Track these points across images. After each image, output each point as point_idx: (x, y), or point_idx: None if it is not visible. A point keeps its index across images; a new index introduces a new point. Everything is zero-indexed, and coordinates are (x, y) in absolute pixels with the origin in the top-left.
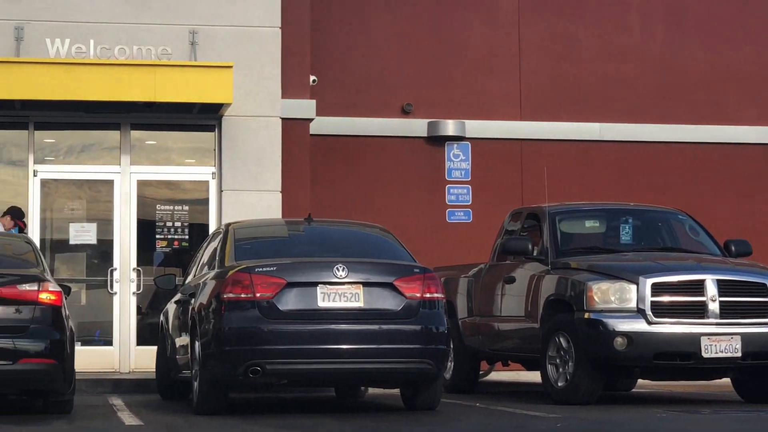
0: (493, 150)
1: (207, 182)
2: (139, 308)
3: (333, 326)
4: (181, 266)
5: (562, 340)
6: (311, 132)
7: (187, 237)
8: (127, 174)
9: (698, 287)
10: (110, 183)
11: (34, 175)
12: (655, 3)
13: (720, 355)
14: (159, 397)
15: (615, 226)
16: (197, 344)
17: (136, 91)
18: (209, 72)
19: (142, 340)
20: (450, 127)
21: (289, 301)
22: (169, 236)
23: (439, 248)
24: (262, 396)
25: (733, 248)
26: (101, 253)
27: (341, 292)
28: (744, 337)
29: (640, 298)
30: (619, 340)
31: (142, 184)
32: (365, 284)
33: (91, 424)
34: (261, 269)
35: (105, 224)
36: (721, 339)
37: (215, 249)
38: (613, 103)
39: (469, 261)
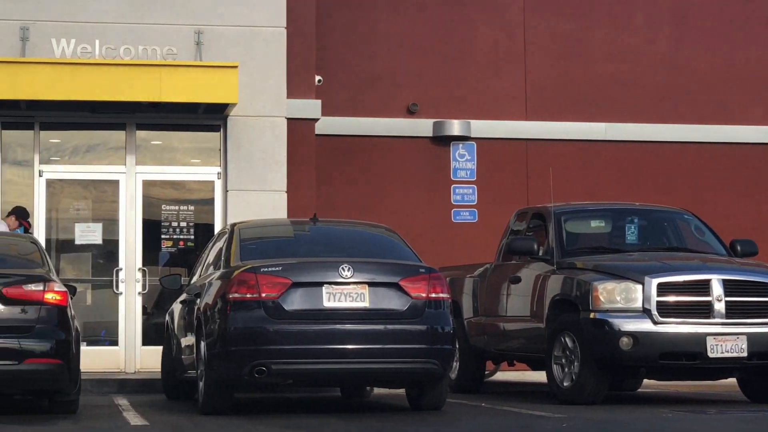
0: (499, 150)
1: (212, 182)
2: (144, 308)
3: (338, 326)
4: (187, 266)
5: (567, 340)
6: (316, 132)
7: (192, 237)
8: (132, 174)
9: (704, 287)
10: (116, 183)
11: (40, 176)
12: (660, 3)
13: (726, 355)
14: (164, 397)
15: (620, 226)
16: (203, 344)
17: (142, 91)
18: (215, 72)
19: (147, 340)
20: (455, 127)
21: (295, 301)
22: (175, 236)
23: (445, 248)
24: (267, 396)
25: (738, 248)
26: (107, 253)
27: (347, 292)
28: (750, 337)
29: (646, 298)
30: (624, 340)
31: (147, 184)
32: (371, 284)
33: (96, 424)
34: (266, 269)
35: (110, 224)
36: (726, 339)
37: (221, 249)
38: (619, 103)
39: (474, 261)
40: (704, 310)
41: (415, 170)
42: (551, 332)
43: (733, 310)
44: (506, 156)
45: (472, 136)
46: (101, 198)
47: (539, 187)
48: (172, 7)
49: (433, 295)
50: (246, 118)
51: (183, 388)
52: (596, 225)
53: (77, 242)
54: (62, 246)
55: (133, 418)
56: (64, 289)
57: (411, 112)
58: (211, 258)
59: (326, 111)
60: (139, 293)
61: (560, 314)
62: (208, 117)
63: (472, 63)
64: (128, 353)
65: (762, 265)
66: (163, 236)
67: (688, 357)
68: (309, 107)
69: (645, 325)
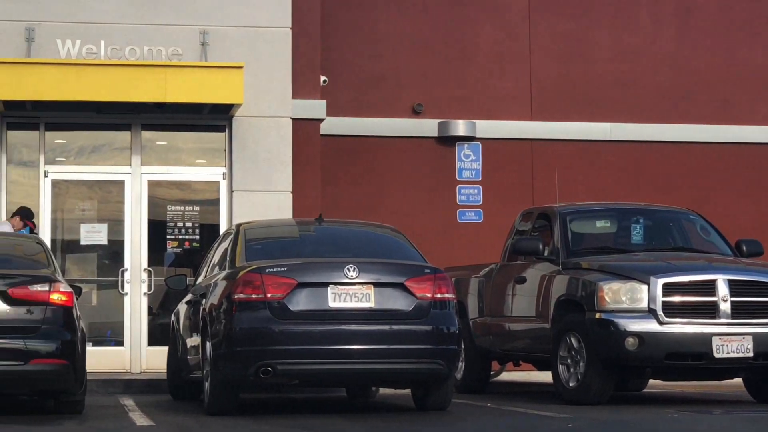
0: (504, 150)
1: (218, 182)
2: (150, 309)
3: (344, 326)
4: (192, 267)
5: (573, 340)
6: (322, 132)
7: (197, 237)
8: (137, 174)
9: (709, 287)
10: (121, 183)
11: (45, 176)
12: (665, 3)
13: (731, 355)
14: (170, 398)
15: (626, 226)
16: (208, 344)
17: (147, 91)
18: (220, 72)
19: (153, 341)
20: (461, 127)
21: (300, 302)
22: (180, 237)
23: (450, 248)
24: (273, 396)
25: (744, 248)
26: (112, 254)
27: (352, 293)
28: (756, 337)
29: (652, 298)
30: (630, 340)
31: (152, 185)
32: (376, 284)
33: (102, 424)
34: (272, 269)
35: (116, 225)
36: (732, 339)
37: (226, 249)
38: (624, 103)
39: (479, 261)
40: (710, 311)
41: (420, 170)
42: (557, 332)
43: (739, 311)
44: (511, 156)
45: (477, 136)
46: (106, 198)
47: (544, 187)
48: (177, 7)
49: (439, 295)
50: (251, 118)
51: (189, 389)
52: (602, 225)
53: (83, 243)
54: (68, 246)
55: (139, 419)
56: (69, 289)
57: (416, 113)
58: (216, 258)
59: (331, 111)
60: (145, 294)
61: (566, 314)
62: (214, 117)
63: (476, 63)
64: (134, 354)
65: (767, 265)
66: (168, 237)
67: (693, 357)
68: (314, 107)
69: (650, 326)
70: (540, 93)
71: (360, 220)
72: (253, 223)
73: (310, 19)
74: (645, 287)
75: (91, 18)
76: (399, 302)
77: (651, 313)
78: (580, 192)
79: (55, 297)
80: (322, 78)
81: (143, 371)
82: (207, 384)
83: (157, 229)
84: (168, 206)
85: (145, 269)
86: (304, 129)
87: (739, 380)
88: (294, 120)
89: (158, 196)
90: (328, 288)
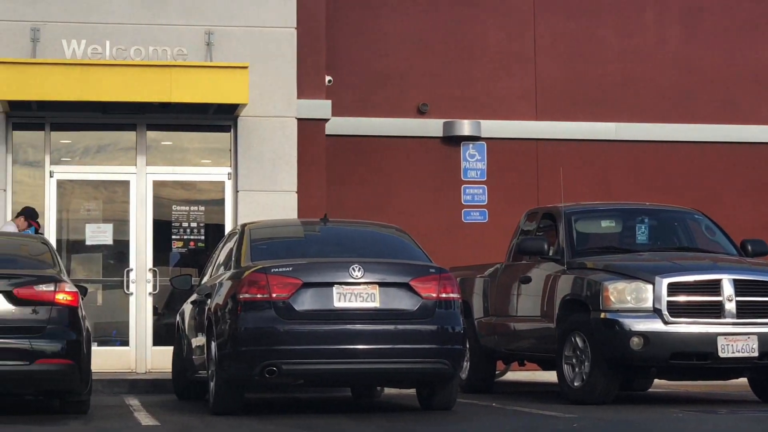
0: (509, 150)
1: (223, 183)
2: (155, 308)
3: (349, 326)
4: (197, 267)
5: (578, 339)
6: (327, 132)
7: (203, 237)
8: (143, 175)
9: (715, 287)
10: (126, 184)
11: (51, 176)
12: (670, 2)
13: (736, 354)
14: (175, 398)
15: (631, 225)
16: (213, 344)
17: (152, 91)
18: (225, 72)
19: (158, 341)
20: (465, 127)
21: (305, 302)
22: (185, 237)
23: (455, 248)
24: (278, 396)
25: (749, 248)
26: (117, 254)
27: (357, 293)
28: (761, 336)
29: (657, 298)
30: (635, 339)
31: (158, 185)
32: (381, 284)
33: (107, 424)
34: (277, 269)
35: (121, 225)
36: (737, 339)
37: (231, 249)
38: (629, 103)
39: (484, 261)
40: (715, 310)
41: (425, 170)
42: (562, 332)
43: (744, 310)
44: (516, 156)
45: (483, 136)
46: (112, 198)
47: (549, 187)
48: (183, 7)
49: (444, 295)
50: (256, 118)
51: (194, 389)
52: (607, 225)
53: (88, 243)
54: (73, 246)
55: (144, 419)
56: (75, 289)
57: (421, 113)
58: (221, 258)
59: (336, 111)
60: (150, 294)
61: (571, 314)
62: (219, 117)
63: (482, 63)
64: (139, 353)
65: None
66: (173, 237)
67: (698, 357)
68: (319, 107)
69: (655, 325)
70: (545, 93)
71: (365, 219)
72: (259, 223)
73: (315, 19)
74: (650, 287)
75: (96, 18)
76: (404, 302)
77: (656, 312)
78: (585, 192)
79: (60, 297)
80: (327, 78)
81: (148, 371)
82: (212, 384)
83: (162, 229)
84: (173, 206)
85: (150, 269)
86: (309, 129)
87: (744, 380)
88: (299, 120)
89: (163, 196)
90: (333, 288)
